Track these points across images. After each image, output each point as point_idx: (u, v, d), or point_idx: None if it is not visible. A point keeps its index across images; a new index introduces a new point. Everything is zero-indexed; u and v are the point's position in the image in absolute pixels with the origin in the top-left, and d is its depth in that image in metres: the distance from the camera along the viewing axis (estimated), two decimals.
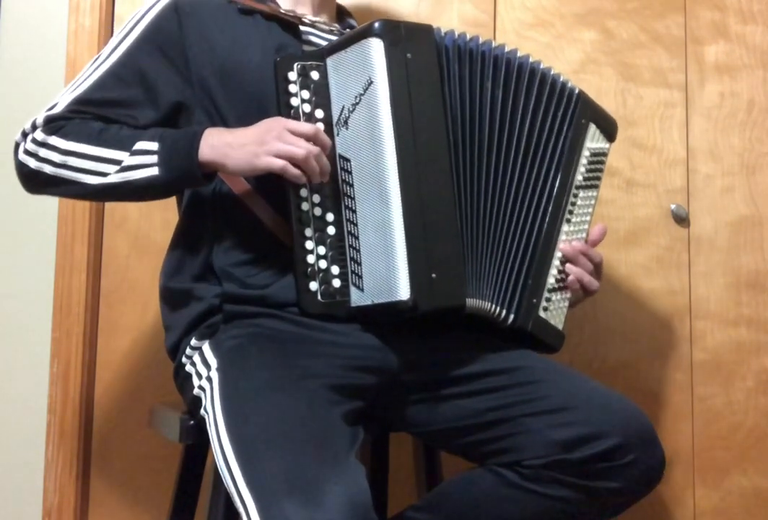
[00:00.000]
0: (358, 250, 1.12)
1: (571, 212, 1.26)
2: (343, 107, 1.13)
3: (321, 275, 1.13)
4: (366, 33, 1.11)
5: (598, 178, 1.31)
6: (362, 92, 1.11)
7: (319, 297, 1.13)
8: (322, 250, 1.13)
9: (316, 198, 1.13)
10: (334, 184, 1.13)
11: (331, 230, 1.14)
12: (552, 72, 1.27)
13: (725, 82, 1.80)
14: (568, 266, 1.25)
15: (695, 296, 1.75)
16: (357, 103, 1.11)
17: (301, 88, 1.14)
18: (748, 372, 1.74)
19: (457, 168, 1.15)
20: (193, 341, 1.19)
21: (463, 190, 1.16)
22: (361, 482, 0.91)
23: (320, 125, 1.13)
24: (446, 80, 1.16)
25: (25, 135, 1.21)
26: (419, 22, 1.20)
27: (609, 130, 1.33)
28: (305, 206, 1.13)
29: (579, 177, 1.27)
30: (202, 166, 1.11)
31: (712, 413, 1.73)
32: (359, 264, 1.12)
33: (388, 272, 1.09)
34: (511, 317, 1.20)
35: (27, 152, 1.20)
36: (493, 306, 1.19)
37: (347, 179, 1.13)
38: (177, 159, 1.12)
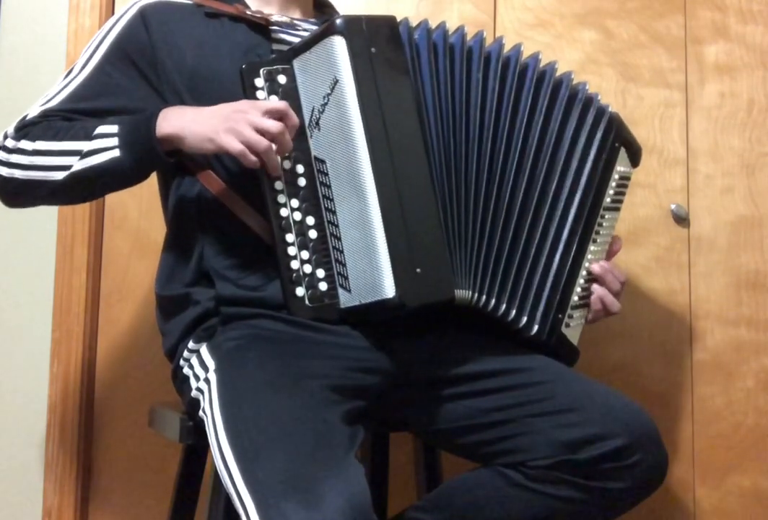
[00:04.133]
0: (342, 251, 1.11)
1: (597, 232, 1.27)
2: (314, 109, 1.12)
3: (306, 279, 1.12)
4: (328, 31, 1.10)
5: (621, 201, 1.32)
6: (329, 92, 1.10)
7: (306, 302, 1.12)
8: (305, 254, 1.12)
9: (295, 203, 1.12)
10: (311, 187, 1.13)
11: (312, 234, 1.13)
12: (573, 78, 1.26)
13: (725, 82, 1.80)
14: (595, 287, 1.25)
15: (695, 296, 1.75)
16: (326, 104, 1.11)
17: (269, 93, 1.12)
18: (748, 372, 1.74)
19: (439, 159, 1.14)
20: (191, 344, 1.19)
21: (447, 183, 1.14)
22: (361, 482, 0.91)
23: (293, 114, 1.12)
24: (418, 71, 1.14)
25: None
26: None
27: (635, 156, 1.33)
28: (284, 212, 1.12)
29: (607, 199, 1.28)
30: (162, 142, 1.10)
31: (712, 413, 1.73)
32: (344, 265, 1.11)
33: (372, 271, 1.08)
34: (535, 327, 1.20)
35: (0, 162, 1.19)
36: (508, 309, 1.18)
37: (324, 181, 1.12)
38: (136, 137, 1.11)
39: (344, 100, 1.09)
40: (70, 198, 1.25)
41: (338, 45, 1.09)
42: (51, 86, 1.26)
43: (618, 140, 1.28)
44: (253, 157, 1.06)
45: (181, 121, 1.10)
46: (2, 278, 1.69)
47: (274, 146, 1.07)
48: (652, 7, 1.81)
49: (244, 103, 1.09)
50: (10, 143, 1.19)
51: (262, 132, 1.06)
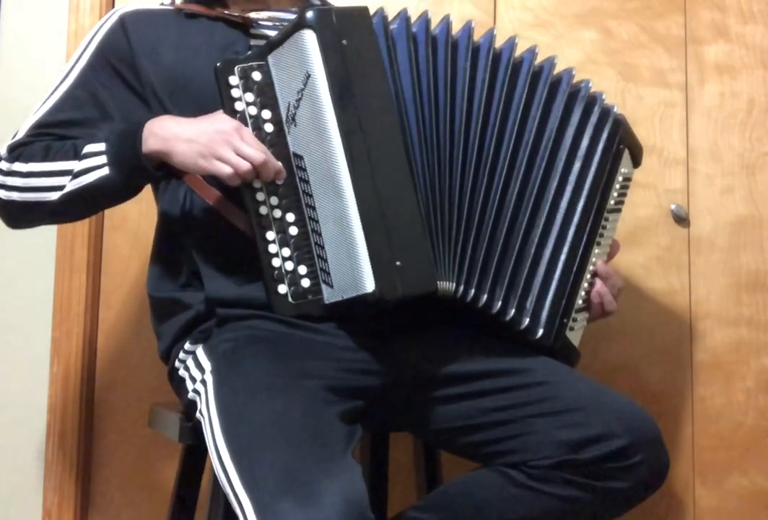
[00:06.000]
0: (323, 247, 1.10)
1: (601, 235, 1.26)
2: (289, 104, 1.11)
3: (289, 276, 1.12)
4: (298, 25, 1.09)
5: (623, 202, 1.31)
6: (303, 87, 1.09)
7: (290, 299, 1.12)
8: (286, 251, 1.12)
9: (274, 200, 1.11)
10: (291, 184, 1.12)
11: (293, 231, 1.12)
12: (574, 75, 1.26)
13: (725, 82, 1.80)
14: (598, 283, 1.25)
15: (695, 296, 1.75)
16: (300, 99, 1.09)
17: (245, 91, 1.12)
18: (748, 372, 1.74)
19: (421, 151, 1.12)
20: (187, 345, 1.19)
21: (430, 174, 1.13)
22: (358, 481, 0.91)
23: (269, 126, 1.12)
24: (395, 62, 1.13)
25: None
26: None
27: (637, 157, 1.33)
28: (263, 210, 1.11)
29: (611, 201, 1.27)
30: (149, 157, 1.11)
31: (712, 413, 1.73)
32: (326, 260, 1.10)
33: (351, 266, 1.07)
34: (540, 331, 1.19)
35: None
36: (504, 307, 1.17)
37: (303, 177, 1.11)
38: (123, 155, 1.12)
39: (317, 95, 1.08)
40: (68, 217, 1.27)
41: (309, 39, 1.08)
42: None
43: (623, 143, 1.27)
44: (238, 180, 1.08)
45: (164, 137, 1.10)
46: (2, 278, 1.69)
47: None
48: (652, 7, 1.81)
49: (228, 124, 1.09)
50: (4, 166, 1.20)
51: (243, 158, 1.07)
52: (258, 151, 1.07)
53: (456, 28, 1.21)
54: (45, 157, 1.17)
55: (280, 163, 1.10)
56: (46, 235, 1.68)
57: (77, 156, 1.15)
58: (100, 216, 1.71)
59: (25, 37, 1.73)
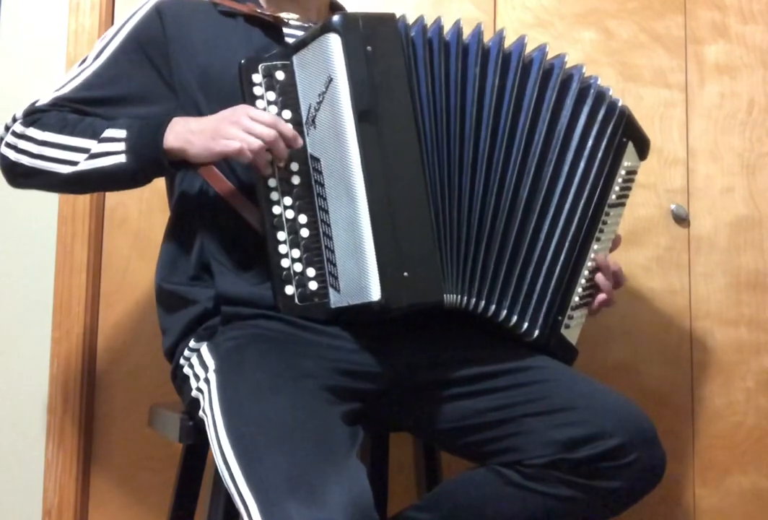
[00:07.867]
0: (333, 251, 1.10)
1: (601, 231, 1.25)
2: (310, 106, 1.11)
3: (297, 278, 1.12)
4: (324, 29, 1.09)
5: (627, 196, 1.30)
6: (324, 90, 1.09)
7: (296, 300, 1.12)
8: (296, 253, 1.12)
9: (288, 200, 1.12)
10: (306, 185, 1.12)
11: (304, 232, 1.12)
12: (584, 72, 1.25)
13: (725, 82, 1.80)
14: (598, 277, 1.24)
15: (695, 296, 1.75)
16: (321, 102, 1.10)
17: (267, 89, 1.12)
18: (748, 372, 1.74)
19: (433, 159, 1.12)
20: (192, 343, 1.19)
21: (440, 183, 1.13)
22: (363, 482, 0.91)
23: (288, 126, 1.12)
24: (414, 69, 1.13)
25: (7, 128, 1.24)
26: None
27: (643, 149, 1.31)
28: (276, 210, 1.11)
29: (613, 196, 1.26)
30: (167, 154, 1.12)
31: (712, 413, 1.73)
32: (334, 265, 1.10)
33: (359, 273, 1.07)
34: (536, 332, 1.19)
35: (7, 145, 1.22)
36: (509, 314, 1.17)
37: (319, 179, 1.11)
38: (143, 146, 1.13)
39: (338, 99, 1.08)
40: (72, 190, 1.30)
41: (333, 43, 1.08)
42: (50, 87, 1.26)
43: (626, 135, 1.26)
44: (249, 154, 1.07)
45: (184, 133, 1.11)
46: (2, 278, 1.69)
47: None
48: (652, 7, 1.81)
49: (239, 110, 1.10)
50: (18, 128, 1.21)
51: (255, 137, 1.07)
52: (268, 128, 1.07)
53: (458, 29, 1.20)
54: (62, 130, 1.18)
55: (294, 131, 1.10)
56: (46, 235, 1.68)
57: (96, 136, 1.16)
58: (100, 216, 1.71)
59: (25, 37, 1.73)
